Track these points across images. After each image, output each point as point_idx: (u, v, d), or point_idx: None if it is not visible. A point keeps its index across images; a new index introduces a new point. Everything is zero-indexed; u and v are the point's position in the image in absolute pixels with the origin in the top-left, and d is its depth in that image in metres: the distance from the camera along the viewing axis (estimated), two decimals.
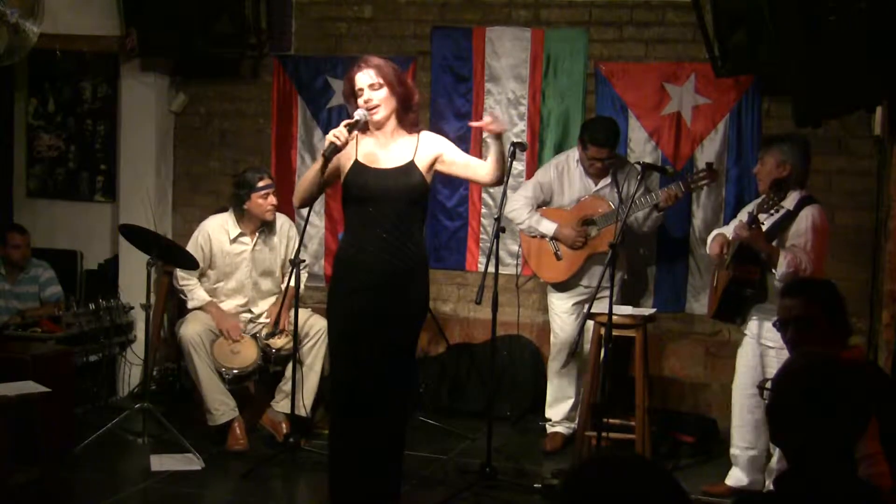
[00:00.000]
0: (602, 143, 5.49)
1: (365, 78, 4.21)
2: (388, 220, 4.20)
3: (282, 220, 5.95)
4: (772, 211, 4.70)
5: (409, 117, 4.29)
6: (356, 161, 4.25)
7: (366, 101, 4.21)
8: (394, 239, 4.21)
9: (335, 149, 4.14)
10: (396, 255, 4.22)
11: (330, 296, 4.41)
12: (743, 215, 5.10)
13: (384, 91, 4.21)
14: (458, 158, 4.37)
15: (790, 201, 4.80)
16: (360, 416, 4.26)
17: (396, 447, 4.39)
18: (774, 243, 4.73)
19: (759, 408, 4.89)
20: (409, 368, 4.45)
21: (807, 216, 4.75)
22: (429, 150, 4.30)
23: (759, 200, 4.80)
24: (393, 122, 4.27)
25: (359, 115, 4.22)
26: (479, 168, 4.38)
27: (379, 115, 4.23)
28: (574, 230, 5.56)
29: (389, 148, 4.27)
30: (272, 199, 5.80)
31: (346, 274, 4.28)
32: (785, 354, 4.59)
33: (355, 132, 4.21)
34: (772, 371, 4.72)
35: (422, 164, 4.27)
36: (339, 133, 4.12)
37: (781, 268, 4.63)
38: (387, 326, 4.24)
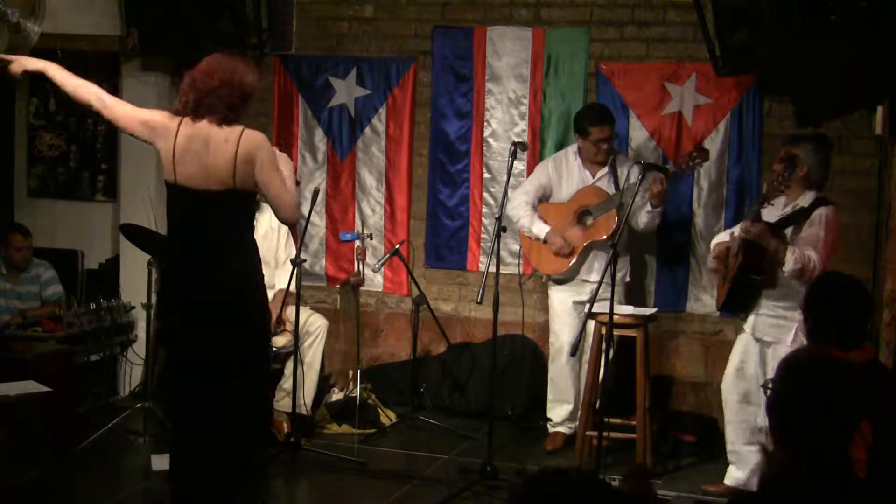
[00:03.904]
0: (604, 120, 5.57)
1: None
2: None
3: None
4: (782, 188, 4.65)
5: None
6: None
7: None
8: None
9: None
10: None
11: None
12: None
13: None
14: None
15: (805, 200, 4.81)
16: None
17: None
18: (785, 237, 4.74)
19: (751, 405, 4.90)
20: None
21: (820, 216, 4.75)
22: None
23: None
24: None
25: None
26: None
27: None
28: (561, 239, 5.58)
29: None
30: None
31: None
32: (782, 350, 4.63)
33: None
34: (769, 367, 4.74)
35: None
36: None
37: (789, 264, 4.62)
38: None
